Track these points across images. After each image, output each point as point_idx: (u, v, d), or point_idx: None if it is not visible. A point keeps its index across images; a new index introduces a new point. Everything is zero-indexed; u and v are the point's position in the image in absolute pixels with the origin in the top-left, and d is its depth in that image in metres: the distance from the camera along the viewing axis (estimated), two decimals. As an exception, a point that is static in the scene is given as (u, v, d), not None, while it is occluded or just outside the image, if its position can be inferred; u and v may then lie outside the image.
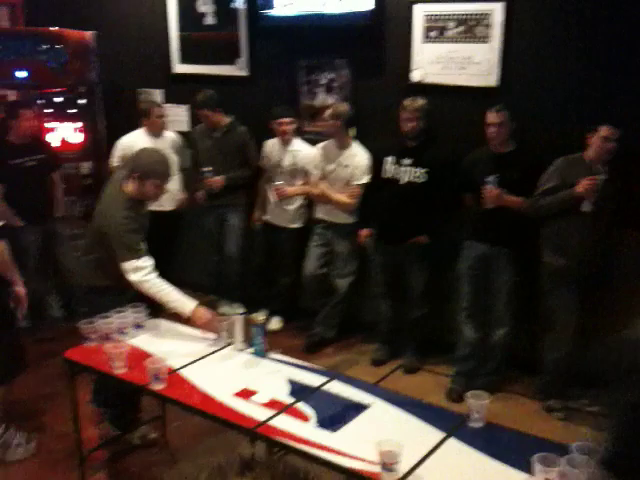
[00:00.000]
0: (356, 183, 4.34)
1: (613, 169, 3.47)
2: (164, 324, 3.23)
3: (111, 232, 3.02)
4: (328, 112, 4.38)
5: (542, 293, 3.80)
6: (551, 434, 3.37)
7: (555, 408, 3.83)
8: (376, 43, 4.37)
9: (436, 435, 2.32)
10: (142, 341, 3.01)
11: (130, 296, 3.32)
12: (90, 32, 5.31)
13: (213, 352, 2.93)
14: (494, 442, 2.31)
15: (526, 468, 2.06)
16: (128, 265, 2.99)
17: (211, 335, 3.02)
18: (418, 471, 2.11)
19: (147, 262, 3.02)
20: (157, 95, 5.44)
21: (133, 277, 2.99)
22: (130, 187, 3.08)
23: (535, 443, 2.27)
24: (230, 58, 5.05)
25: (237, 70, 5.03)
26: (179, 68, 5.37)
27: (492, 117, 3.72)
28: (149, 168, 3.05)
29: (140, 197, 3.11)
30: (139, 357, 2.80)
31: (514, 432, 2.46)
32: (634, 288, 3.68)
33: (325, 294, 4.60)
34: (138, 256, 2.99)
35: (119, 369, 2.72)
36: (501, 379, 4.06)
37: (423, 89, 4.19)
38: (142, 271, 2.99)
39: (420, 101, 3.99)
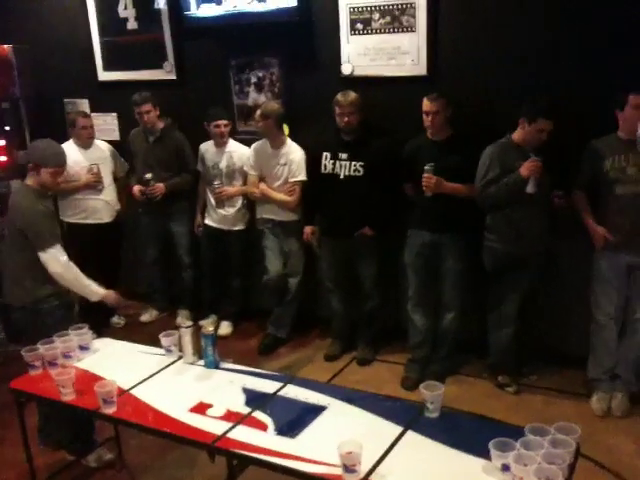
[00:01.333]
0: (293, 180, 4.33)
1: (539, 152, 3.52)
2: (110, 343, 3.17)
3: (28, 224, 3.08)
4: (258, 112, 4.34)
5: (487, 276, 3.86)
6: (506, 411, 3.50)
7: (505, 383, 3.91)
8: (304, 38, 4.35)
9: (394, 430, 2.33)
10: (89, 363, 2.93)
11: (73, 313, 3.28)
12: (9, 46, 5.13)
13: (164, 368, 2.87)
14: (451, 431, 2.32)
15: (484, 454, 2.09)
16: (49, 252, 3.05)
17: (161, 349, 2.96)
18: (379, 469, 2.11)
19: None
20: (83, 105, 5.30)
21: (56, 263, 3.06)
22: (31, 180, 3.17)
23: (491, 427, 2.33)
24: (157, 62, 4.95)
25: (165, 74, 4.93)
26: (104, 75, 5.23)
27: (428, 105, 3.71)
28: (39, 157, 3.16)
29: (42, 188, 3.17)
30: (88, 380, 2.72)
31: (470, 418, 2.52)
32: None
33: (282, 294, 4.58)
34: (58, 241, 3.08)
35: (68, 395, 2.63)
36: (453, 363, 4.12)
37: (354, 82, 4.19)
38: (64, 256, 3.08)
39: (352, 95, 3.98)
